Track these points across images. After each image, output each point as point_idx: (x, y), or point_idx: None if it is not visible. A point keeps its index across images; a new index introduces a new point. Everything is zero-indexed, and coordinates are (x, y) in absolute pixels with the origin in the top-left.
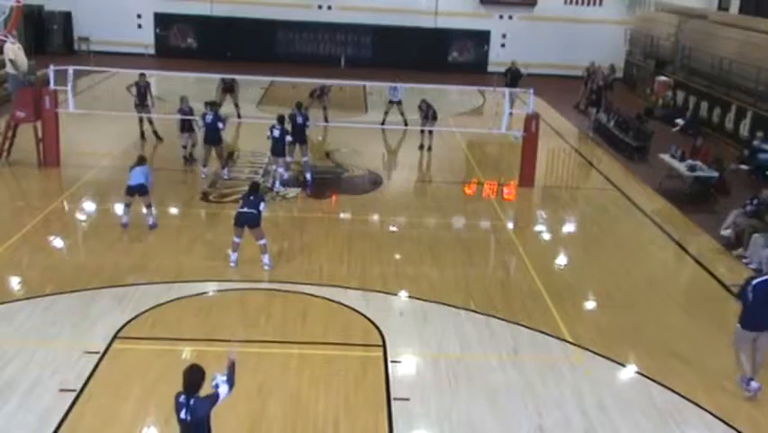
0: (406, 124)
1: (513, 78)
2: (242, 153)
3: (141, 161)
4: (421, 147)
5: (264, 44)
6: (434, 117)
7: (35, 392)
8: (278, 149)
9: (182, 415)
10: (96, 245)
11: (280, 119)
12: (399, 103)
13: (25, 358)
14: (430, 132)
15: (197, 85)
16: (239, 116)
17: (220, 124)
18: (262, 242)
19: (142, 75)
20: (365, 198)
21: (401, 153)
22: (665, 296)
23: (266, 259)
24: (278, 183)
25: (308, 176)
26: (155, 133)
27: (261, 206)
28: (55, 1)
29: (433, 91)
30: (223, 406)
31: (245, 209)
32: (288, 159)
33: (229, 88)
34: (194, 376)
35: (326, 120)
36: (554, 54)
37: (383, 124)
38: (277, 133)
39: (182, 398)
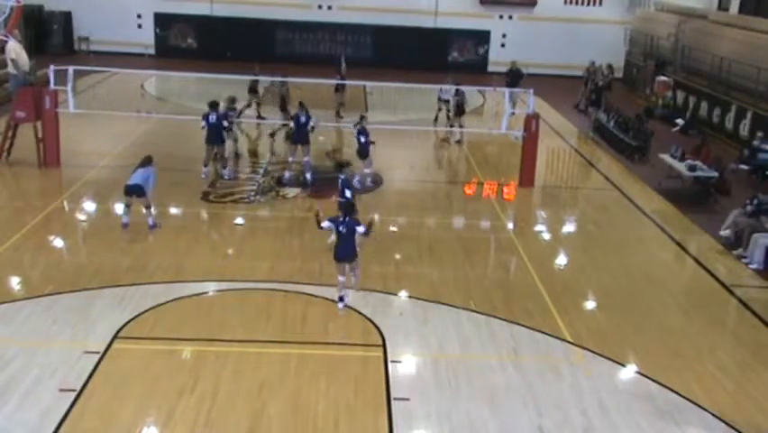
0: (437, 121)
1: (514, 78)
2: (242, 154)
3: (147, 161)
4: (445, 140)
5: (264, 44)
6: (462, 111)
7: (35, 392)
8: (213, 137)
9: (341, 229)
10: (96, 245)
11: (212, 104)
12: (448, 102)
13: (25, 358)
14: (461, 125)
15: (197, 85)
16: (259, 116)
17: (225, 123)
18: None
19: (232, 99)
20: (365, 198)
21: (402, 153)
22: (665, 296)
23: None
24: (226, 172)
25: (309, 176)
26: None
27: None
28: (55, 1)
29: (433, 91)
30: (223, 406)
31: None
32: (290, 159)
33: (252, 88)
34: (350, 206)
35: (339, 114)
36: (554, 54)
37: (436, 120)
38: (213, 119)
39: (341, 219)
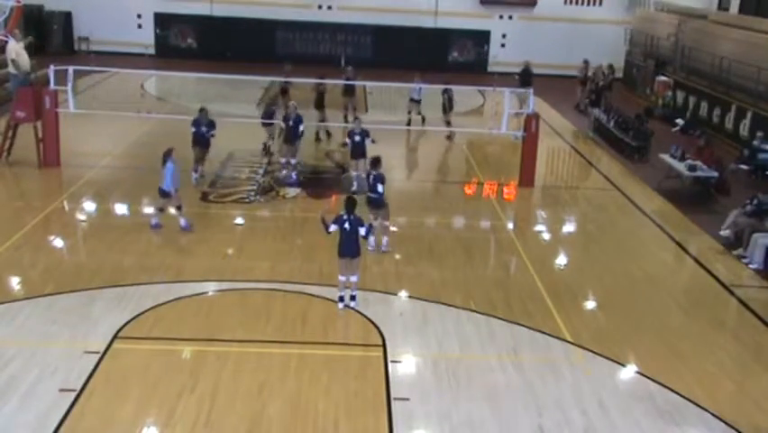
0: (423, 122)
1: (524, 77)
2: (241, 154)
3: (165, 157)
4: (448, 137)
5: (264, 44)
6: (451, 107)
7: (35, 392)
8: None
9: (345, 226)
10: (96, 245)
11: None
12: (419, 102)
13: (25, 358)
14: (448, 122)
15: (197, 85)
16: (323, 118)
17: (192, 129)
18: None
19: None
20: (365, 198)
21: (402, 153)
22: (665, 296)
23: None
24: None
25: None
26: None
27: (362, 230)
28: (55, 1)
29: (433, 91)
30: (223, 406)
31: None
32: (292, 160)
33: (284, 90)
34: (353, 203)
35: (346, 120)
36: (554, 54)
37: (409, 124)
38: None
39: (345, 216)
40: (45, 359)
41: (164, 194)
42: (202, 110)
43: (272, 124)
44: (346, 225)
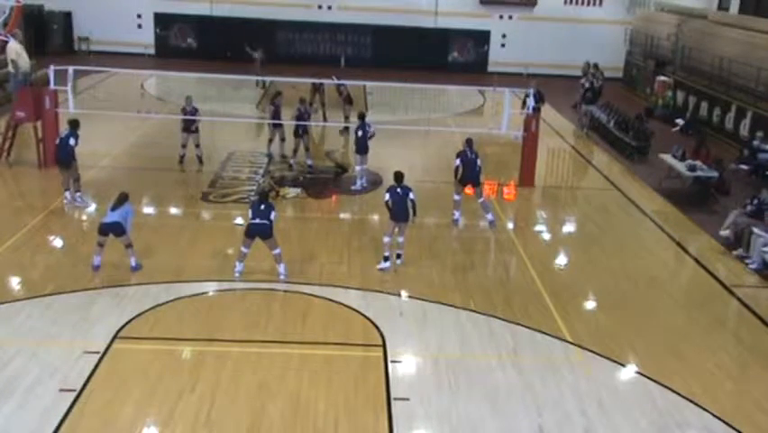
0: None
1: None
2: (241, 154)
3: (123, 199)
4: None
5: (264, 44)
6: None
7: (35, 392)
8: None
9: (399, 192)
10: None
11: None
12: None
13: (25, 358)
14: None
15: (197, 85)
16: (324, 117)
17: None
18: (277, 251)
19: (188, 97)
20: (365, 198)
21: (402, 153)
22: (665, 296)
23: (281, 268)
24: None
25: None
26: (199, 157)
27: (272, 215)
28: (55, 1)
29: (433, 91)
30: (223, 406)
31: (257, 220)
32: (291, 160)
33: (318, 89)
34: (401, 174)
35: (346, 117)
36: (554, 54)
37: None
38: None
39: (394, 187)
40: (45, 359)
41: (119, 231)
42: (188, 97)
43: (281, 125)
44: (398, 191)
